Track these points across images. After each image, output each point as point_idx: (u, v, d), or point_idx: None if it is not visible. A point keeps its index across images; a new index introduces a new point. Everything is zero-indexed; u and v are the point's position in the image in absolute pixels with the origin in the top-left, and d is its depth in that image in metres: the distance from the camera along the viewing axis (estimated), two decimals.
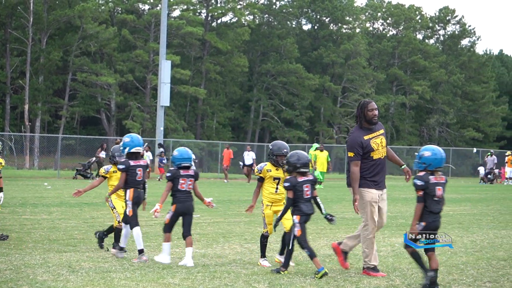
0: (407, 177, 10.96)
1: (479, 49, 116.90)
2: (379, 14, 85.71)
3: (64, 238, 14.37)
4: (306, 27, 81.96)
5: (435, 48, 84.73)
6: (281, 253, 11.37)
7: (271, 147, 11.27)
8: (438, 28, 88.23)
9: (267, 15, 75.88)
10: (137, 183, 11.72)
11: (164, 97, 46.79)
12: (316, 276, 10.13)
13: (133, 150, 11.79)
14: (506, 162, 49.81)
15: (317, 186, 36.37)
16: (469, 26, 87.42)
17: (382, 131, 10.80)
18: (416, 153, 9.97)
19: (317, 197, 10.85)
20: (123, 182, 11.70)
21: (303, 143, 66.41)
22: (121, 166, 11.64)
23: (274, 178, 11.19)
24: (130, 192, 11.66)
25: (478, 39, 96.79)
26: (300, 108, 71.68)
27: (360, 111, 10.66)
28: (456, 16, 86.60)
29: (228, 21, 71.83)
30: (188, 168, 11.46)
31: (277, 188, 11.22)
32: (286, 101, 72.12)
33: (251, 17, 73.93)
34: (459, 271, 11.21)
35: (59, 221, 17.15)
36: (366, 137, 10.56)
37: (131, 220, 11.65)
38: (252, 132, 73.19)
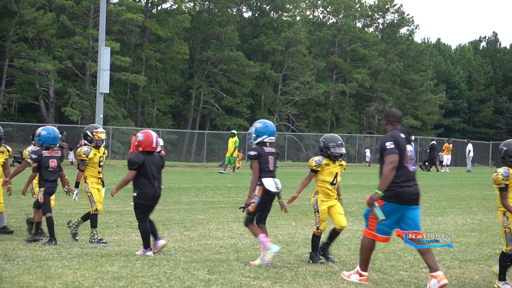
0: None
1: (417, 38, 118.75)
2: (319, 2, 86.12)
3: None
4: (247, 14, 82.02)
5: (374, 37, 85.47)
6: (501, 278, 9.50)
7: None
8: (377, 16, 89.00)
9: (207, 2, 75.60)
10: None
11: (103, 84, 46.17)
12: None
13: None
14: (443, 150, 50.58)
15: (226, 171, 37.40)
16: (408, 15, 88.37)
17: None
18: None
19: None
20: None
21: (244, 130, 66.42)
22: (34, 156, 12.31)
23: None
24: None
25: (416, 27, 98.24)
26: (241, 96, 71.68)
27: None
28: (395, 5, 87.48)
29: (168, 8, 71.38)
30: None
31: None
32: (227, 89, 72.03)
33: (192, 4, 73.57)
34: (397, 257, 11.35)
35: None
36: None
37: None
38: (193, 119, 72.99)
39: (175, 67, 70.32)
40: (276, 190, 10.63)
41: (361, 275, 9.42)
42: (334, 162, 10.68)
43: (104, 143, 12.64)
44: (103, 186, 12.70)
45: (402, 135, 9.22)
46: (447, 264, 10.80)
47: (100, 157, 12.56)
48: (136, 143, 11.02)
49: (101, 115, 46.70)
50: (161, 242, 11.14)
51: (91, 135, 12.50)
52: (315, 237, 10.74)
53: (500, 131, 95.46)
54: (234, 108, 71.74)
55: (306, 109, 78.34)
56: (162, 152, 42.59)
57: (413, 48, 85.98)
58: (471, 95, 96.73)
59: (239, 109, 71.57)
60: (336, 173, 10.64)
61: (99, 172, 12.52)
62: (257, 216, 10.68)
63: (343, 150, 10.64)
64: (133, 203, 11.13)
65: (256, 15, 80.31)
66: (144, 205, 10.90)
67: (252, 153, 10.56)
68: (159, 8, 72.33)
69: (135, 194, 10.89)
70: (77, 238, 12.40)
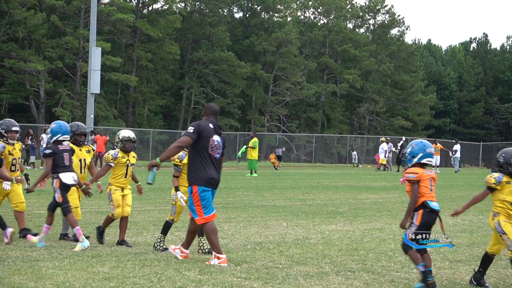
0: None
1: (408, 39, 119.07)
2: (310, 3, 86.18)
3: None
4: (238, 15, 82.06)
5: (365, 38, 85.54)
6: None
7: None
8: (368, 17, 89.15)
9: (198, 3, 75.57)
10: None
11: (94, 84, 46.23)
12: None
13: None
14: None
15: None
16: (398, 15, 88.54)
17: None
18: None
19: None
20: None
21: (235, 131, 66.46)
22: (47, 151, 11.99)
23: None
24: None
25: (407, 28, 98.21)
26: (232, 96, 71.65)
27: None
28: (386, 6, 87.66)
29: (159, 8, 71.30)
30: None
31: None
32: (218, 89, 72.02)
33: (183, 4, 73.51)
34: (388, 258, 11.36)
35: None
36: None
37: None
38: (184, 120, 72.94)
39: (166, 67, 70.27)
40: (72, 183, 11.79)
41: (183, 252, 10.70)
42: None
43: None
44: None
45: (211, 126, 10.43)
46: (437, 265, 10.82)
47: None
48: None
49: (92, 116, 46.71)
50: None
51: None
52: (487, 257, 9.85)
53: (490, 132, 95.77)
54: (225, 108, 71.70)
55: (297, 110, 78.39)
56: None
57: (403, 49, 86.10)
58: (461, 96, 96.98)
59: (230, 110, 71.56)
60: None
61: None
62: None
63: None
64: None
65: (247, 15, 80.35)
66: None
67: (47, 151, 11.79)
68: (150, 8, 72.26)
69: None
70: (169, 250, 11.32)
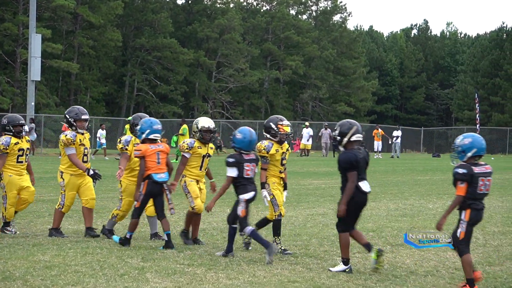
0: None
1: (350, 25, 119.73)
2: None
3: None
4: (180, 1, 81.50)
5: (308, 24, 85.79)
6: None
7: None
8: (311, 4, 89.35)
9: None
10: None
11: (35, 72, 45.63)
12: None
13: None
14: (373, 136, 51.09)
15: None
16: (341, 2, 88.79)
17: None
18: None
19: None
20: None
21: (178, 118, 66.21)
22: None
23: None
24: None
25: (349, 15, 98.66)
26: (175, 83, 71.29)
27: None
28: None
29: None
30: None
31: None
32: (161, 76, 71.59)
33: None
34: (330, 243, 11.45)
35: None
36: None
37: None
38: (127, 107, 72.36)
39: (108, 54, 69.54)
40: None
41: None
42: None
43: (288, 138, 10.84)
44: (285, 189, 11.10)
45: None
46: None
47: (283, 153, 10.91)
48: None
49: (33, 103, 46.12)
50: None
51: (275, 128, 10.78)
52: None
53: (431, 117, 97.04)
54: (168, 95, 71.35)
55: (241, 96, 78.38)
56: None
57: (346, 35, 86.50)
58: (403, 82, 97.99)
59: (173, 97, 71.21)
60: None
61: (280, 172, 10.90)
62: None
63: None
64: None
65: (190, 2, 79.90)
66: None
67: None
68: None
69: None
70: (290, 252, 10.62)
